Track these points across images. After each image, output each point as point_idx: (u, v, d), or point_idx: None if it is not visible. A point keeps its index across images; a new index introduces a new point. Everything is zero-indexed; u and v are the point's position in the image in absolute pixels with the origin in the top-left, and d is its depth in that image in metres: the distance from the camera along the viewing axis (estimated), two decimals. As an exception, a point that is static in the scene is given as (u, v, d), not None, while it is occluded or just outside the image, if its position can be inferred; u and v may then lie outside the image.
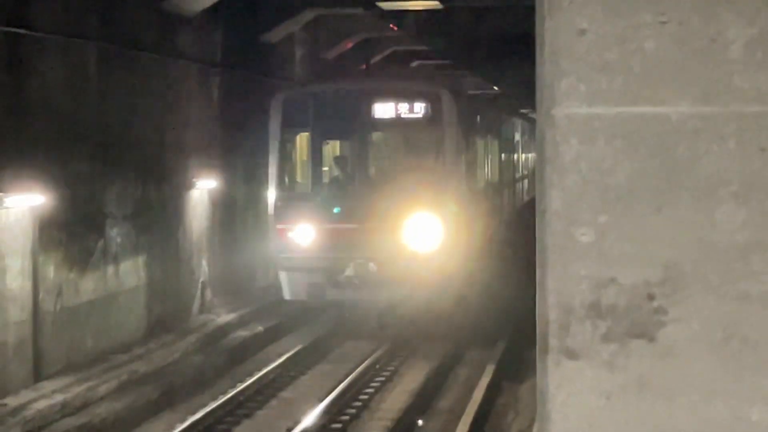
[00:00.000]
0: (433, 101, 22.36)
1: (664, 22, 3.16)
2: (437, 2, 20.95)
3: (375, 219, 22.03)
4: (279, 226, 22.69)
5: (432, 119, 22.42)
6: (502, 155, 35.46)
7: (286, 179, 23.59)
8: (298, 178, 24.71)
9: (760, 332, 3.09)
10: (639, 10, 3.17)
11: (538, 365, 3.14)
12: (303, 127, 23.59)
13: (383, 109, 22.63)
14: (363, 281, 22.13)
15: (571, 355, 3.10)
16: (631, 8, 3.17)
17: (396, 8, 21.91)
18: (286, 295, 23.35)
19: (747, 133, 3.13)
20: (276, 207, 22.85)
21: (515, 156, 41.82)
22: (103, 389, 18.79)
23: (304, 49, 31.56)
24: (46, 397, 17.61)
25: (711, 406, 3.09)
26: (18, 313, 17.96)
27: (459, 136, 23.07)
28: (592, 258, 3.13)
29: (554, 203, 3.15)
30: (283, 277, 23.10)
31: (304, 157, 24.45)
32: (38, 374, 18.51)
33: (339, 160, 24.58)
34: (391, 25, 26.17)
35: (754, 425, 3.07)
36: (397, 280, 21.92)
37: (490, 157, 31.47)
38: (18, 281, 17.94)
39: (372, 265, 22.09)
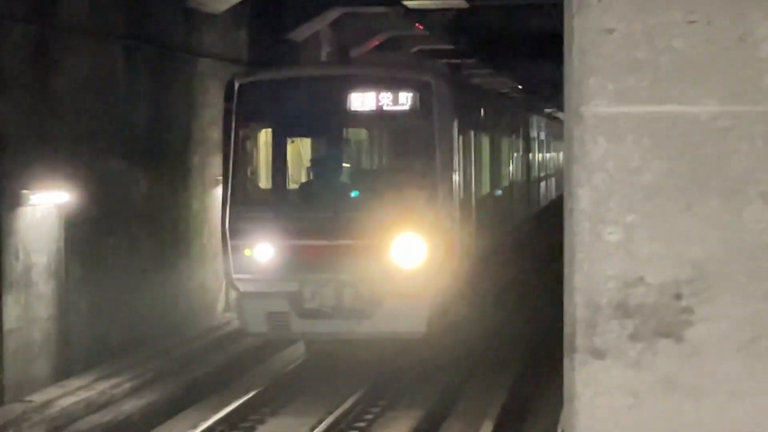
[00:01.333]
0: (422, 91, 18.45)
1: (692, 21, 3.15)
2: (463, 1, 21.52)
3: (350, 234, 18.26)
4: (233, 242, 18.55)
5: (420, 113, 18.53)
6: (514, 156, 31.48)
7: (242, 185, 19.41)
8: (257, 184, 20.43)
9: (788, 332, 3.08)
10: (667, 9, 3.17)
11: (565, 364, 3.14)
12: (263, 122, 19.78)
13: (361, 101, 18.62)
14: (336, 310, 18.08)
15: (598, 354, 3.10)
16: (659, 7, 3.16)
17: (422, 7, 22.45)
18: (245, 326, 19.31)
19: (776, 134, 3.12)
20: (230, 219, 18.67)
21: (530, 156, 37.05)
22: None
23: (330, 48, 31.46)
24: (71, 394, 17.71)
25: (738, 406, 3.09)
26: (44, 309, 18.08)
27: (454, 133, 19.20)
28: (620, 257, 3.12)
29: (582, 202, 3.15)
30: (239, 305, 19.13)
31: (265, 159, 20.40)
32: (65, 371, 18.64)
33: (306, 163, 21.32)
34: (417, 24, 25.90)
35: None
36: (379, 309, 18.13)
37: (497, 157, 27.32)
38: (44, 278, 18.07)
39: (348, 291, 18.04)
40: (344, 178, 19.99)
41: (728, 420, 3.09)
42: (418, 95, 18.44)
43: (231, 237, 18.56)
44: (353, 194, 19.40)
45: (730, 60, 3.14)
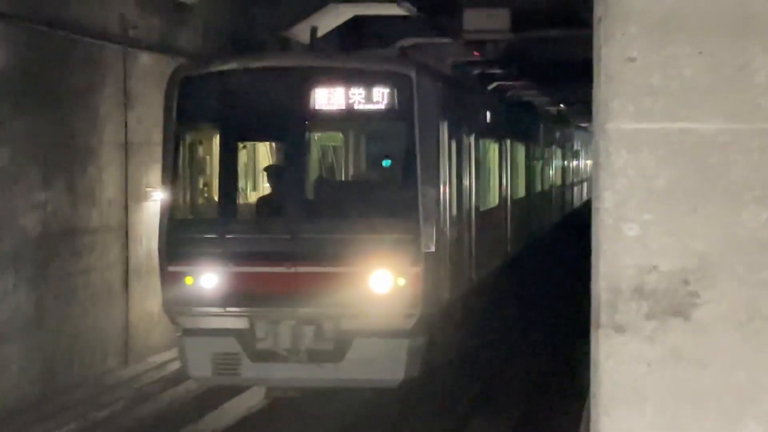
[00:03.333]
0: (400, 86, 14.83)
1: (700, 53, 3.75)
2: (511, 34, 21.18)
3: (312, 261, 14.74)
4: (171, 269, 14.96)
5: (398, 112, 14.92)
6: (522, 166, 27.68)
7: (183, 199, 15.86)
8: (201, 198, 16.54)
9: (780, 313, 3.67)
10: (679, 43, 3.76)
11: (592, 338, 3.73)
12: (209, 123, 15.91)
13: (328, 97, 14.94)
14: (294, 352, 14.57)
15: (619, 329, 3.69)
16: (672, 41, 3.76)
17: (479, 38, 22.74)
18: (186, 369, 15.50)
19: (770, 146, 3.72)
20: (167, 240, 15.06)
21: (543, 165, 33.13)
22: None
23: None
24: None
25: (735, 375, 3.67)
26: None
27: (441, 138, 15.67)
28: (637, 249, 3.72)
29: (606, 202, 3.75)
30: (180, 343, 15.36)
31: (211, 168, 16.38)
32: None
33: (262, 172, 17.38)
34: (475, 53, 26.73)
35: (772, 391, 3.66)
36: (347, 351, 14.76)
37: (501, 168, 23.58)
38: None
39: (308, 329, 14.51)
40: (306, 192, 15.62)
41: (727, 386, 3.67)
42: (395, 91, 14.79)
43: (169, 262, 14.93)
44: (316, 212, 15.42)
45: (731, 85, 3.74)
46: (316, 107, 14.89)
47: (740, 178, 3.71)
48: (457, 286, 16.79)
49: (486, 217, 20.49)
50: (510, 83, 33.79)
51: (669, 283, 3.70)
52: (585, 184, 51.17)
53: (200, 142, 16.24)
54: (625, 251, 3.72)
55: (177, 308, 14.95)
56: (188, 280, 14.81)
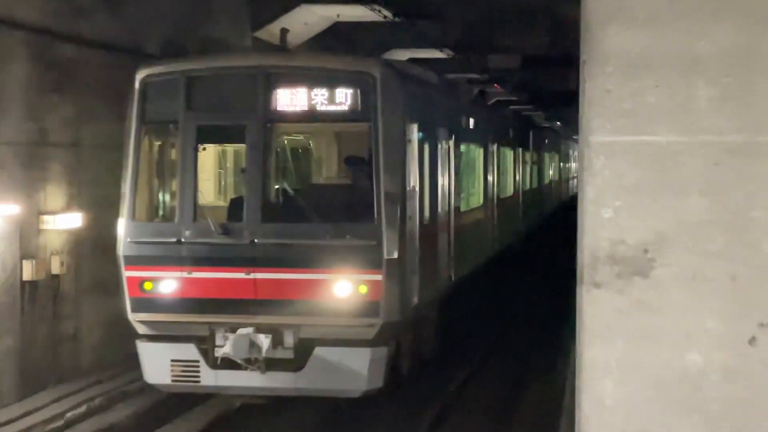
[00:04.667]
0: (363, 86, 14.11)
1: (658, 86, 5.09)
2: (519, 67, 24.70)
3: (272, 266, 14.14)
4: (130, 273, 14.43)
5: (361, 113, 14.20)
6: (515, 166, 27.92)
7: (142, 202, 15.06)
8: (161, 200, 15.72)
9: (714, 275, 4.97)
10: (644, 78, 5.09)
11: (577, 291, 5.04)
12: (169, 124, 15.10)
13: (290, 98, 14.23)
14: (252, 361, 13.97)
15: (597, 285, 5.02)
16: (638, 77, 5.09)
17: (498, 68, 26.24)
18: (145, 377, 14.90)
19: (708, 153, 5.03)
20: (126, 244, 14.54)
21: (535, 166, 33.88)
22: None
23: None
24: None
25: (682, 319, 4.99)
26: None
27: (408, 142, 14.76)
28: (611, 227, 5.05)
29: (589, 194, 5.08)
30: (140, 350, 14.77)
31: (171, 170, 15.43)
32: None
33: (221, 176, 17.39)
34: (495, 85, 31.90)
35: (710, 331, 4.96)
36: (308, 360, 14.17)
37: (490, 168, 23.37)
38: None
39: (266, 337, 13.78)
40: (266, 195, 14.75)
41: (676, 327, 4.99)
42: (358, 91, 14.08)
43: (127, 266, 14.44)
44: (276, 216, 14.61)
45: (682, 109, 5.06)
46: (278, 108, 14.29)
47: (687, 176, 5.04)
48: (430, 289, 16.20)
49: (468, 216, 20.39)
50: (523, 107, 39.34)
51: (634, 252, 5.02)
52: (574, 181, 54.38)
53: (160, 144, 15.50)
54: (602, 229, 5.05)
55: (136, 313, 14.53)
56: (147, 285, 14.41)
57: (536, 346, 20.57)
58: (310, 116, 14.42)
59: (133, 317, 14.62)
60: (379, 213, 13.92)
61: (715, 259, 4.99)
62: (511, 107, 36.07)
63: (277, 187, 15.38)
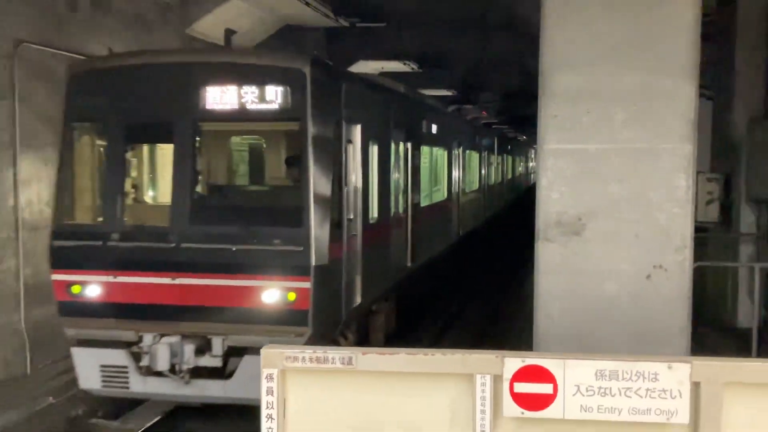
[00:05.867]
0: (291, 83, 13.26)
1: (588, 111, 7.73)
2: (498, 98, 32.68)
3: (197, 271, 13.48)
4: (58, 276, 13.98)
5: (290, 112, 13.25)
6: (479, 165, 29.02)
7: (71, 202, 14.52)
8: (88, 202, 15.07)
9: (624, 234, 7.59)
10: (579, 107, 7.72)
11: (535, 245, 7.66)
12: (95, 123, 14.48)
13: (218, 96, 13.53)
14: (178, 369, 13.38)
15: (548, 240, 7.64)
16: (575, 105, 7.71)
17: (487, 100, 33.21)
18: (78, 381, 14.19)
19: (624, 155, 7.66)
20: (53, 245, 14.04)
21: (498, 165, 35.99)
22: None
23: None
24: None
25: (602, 261, 7.62)
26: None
27: (344, 143, 14.04)
28: (558, 204, 7.67)
29: (543, 182, 7.70)
30: (73, 355, 14.09)
31: (99, 170, 14.85)
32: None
33: (156, 175, 15.86)
34: (483, 112, 39.32)
35: (621, 270, 7.58)
36: (236, 369, 13.38)
37: (454, 166, 23.28)
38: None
39: (192, 345, 13.36)
40: (191, 197, 13.97)
41: (599, 266, 7.60)
42: (287, 89, 13.27)
43: (55, 269, 13.95)
44: (202, 219, 13.71)
45: (604, 126, 7.69)
46: (205, 107, 13.37)
47: (607, 171, 7.67)
48: (381, 283, 15.83)
49: (429, 210, 20.40)
50: (502, 126, 48.00)
51: (572, 220, 7.65)
52: (531, 176, 63.72)
53: (89, 143, 14.67)
54: (551, 205, 7.68)
55: (66, 317, 13.75)
56: (75, 289, 13.75)
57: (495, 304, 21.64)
58: (240, 115, 13.33)
59: (62, 320, 13.73)
60: (307, 217, 12.84)
61: (624, 223, 7.60)
62: (494, 126, 43.63)
63: (205, 188, 14.48)
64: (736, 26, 14.19)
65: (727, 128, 14.67)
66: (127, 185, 14.17)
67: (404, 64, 27.19)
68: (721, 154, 15.76)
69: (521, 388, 5.61)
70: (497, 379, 5.63)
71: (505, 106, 37.14)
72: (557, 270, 7.61)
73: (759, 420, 5.50)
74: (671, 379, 5.48)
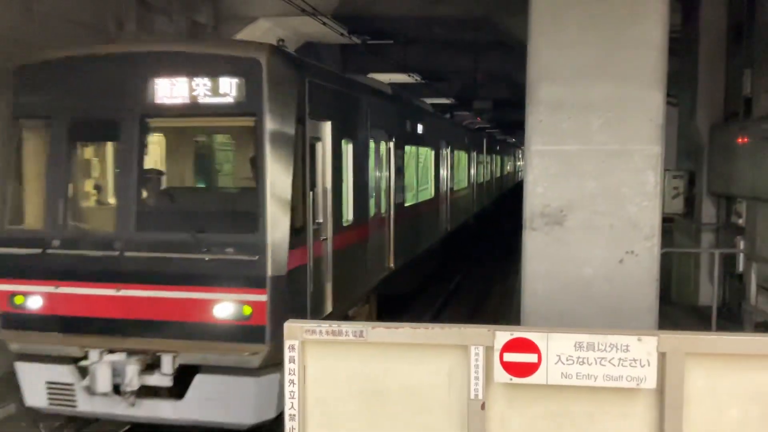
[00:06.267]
0: (247, 75, 10.56)
1: (569, 118, 7.76)
2: (491, 105, 33.20)
3: (144, 282, 10.87)
4: None
5: (245, 106, 10.59)
6: (467, 163, 26.64)
7: (13, 206, 11.94)
8: (34, 205, 12.18)
9: (600, 224, 7.63)
10: (561, 113, 7.76)
11: (523, 233, 7.70)
12: (38, 119, 11.74)
13: (167, 89, 10.94)
14: (126, 388, 10.78)
15: (534, 229, 7.67)
16: (557, 112, 7.74)
17: (481, 108, 33.89)
18: (25, 399, 11.67)
19: (598, 156, 7.69)
20: None
21: (487, 164, 34.02)
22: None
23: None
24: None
25: (581, 246, 7.63)
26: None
27: (305, 136, 11.10)
28: (542, 197, 7.70)
29: (530, 179, 7.74)
30: (17, 371, 11.73)
31: (42, 170, 11.91)
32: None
33: (94, 179, 13.00)
34: (477, 118, 39.68)
35: (596, 256, 7.61)
36: (188, 389, 10.75)
37: (441, 165, 21.06)
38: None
39: (139, 362, 10.67)
40: (138, 201, 11.37)
41: (579, 251, 7.63)
42: (242, 81, 10.68)
43: None
44: (149, 224, 11.20)
45: (582, 130, 7.72)
46: (153, 101, 10.94)
47: (585, 168, 7.69)
48: (358, 286, 13.64)
49: (414, 209, 18.28)
50: (494, 130, 48.34)
51: (554, 211, 7.68)
52: (519, 173, 63.21)
53: (33, 142, 12.13)
54: (537, 198, 7.71)
55: (8, 330, 11.53)
56: (18, 300, 11.49)
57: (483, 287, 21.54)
58: (192, 109, 10.89)
59: (4, 334, 11.53)
60: (263, 222, 10.38)
61: (600, 215, 7.64)
62: (486, 130, 43.81)
63: (151, 191, 11.89)
64: (698, 42, 14.21)
65: (691, 132, 14.71)
66: (71, 188, 11.76)
67: (409, 76, 28.23)
68: (685, 154, 15.82)
69: (510, 357, 5.67)
70: (489, 350, 5.68)
71: (496, 112, 38.20)
72: (542, 255, 7.65)
73: (715, 384, 5.55)
74: (641, 350, 5.53)
